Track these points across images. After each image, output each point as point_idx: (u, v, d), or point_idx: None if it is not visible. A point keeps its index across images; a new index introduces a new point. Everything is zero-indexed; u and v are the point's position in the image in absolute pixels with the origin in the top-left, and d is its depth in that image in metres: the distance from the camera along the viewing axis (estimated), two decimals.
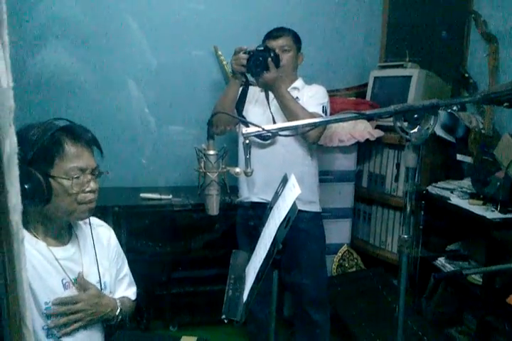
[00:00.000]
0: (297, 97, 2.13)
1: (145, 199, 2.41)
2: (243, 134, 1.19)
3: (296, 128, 1.98)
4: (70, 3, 2.49)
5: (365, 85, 2.78)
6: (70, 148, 1.17)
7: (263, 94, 2.13)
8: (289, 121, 2.04)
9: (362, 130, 2.47)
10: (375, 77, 2.71)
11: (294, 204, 1.01)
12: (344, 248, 2.66)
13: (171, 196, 2.43)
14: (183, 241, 2.50)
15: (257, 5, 2.73)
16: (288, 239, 2.06)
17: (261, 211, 2.08)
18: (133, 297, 1.45)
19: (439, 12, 2.85)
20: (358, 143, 2.56)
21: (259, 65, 1.97)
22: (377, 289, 2.47)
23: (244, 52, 1.99)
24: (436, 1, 2.88)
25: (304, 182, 2.10)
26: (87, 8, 2.51)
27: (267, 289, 2.29)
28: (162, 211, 2.40)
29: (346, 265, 2.64)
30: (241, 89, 2.07)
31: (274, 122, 2.05)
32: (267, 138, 2.08)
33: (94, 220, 1.36)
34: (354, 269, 2.65)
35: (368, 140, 2.51)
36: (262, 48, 2.02)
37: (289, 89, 2.14)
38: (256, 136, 2.07)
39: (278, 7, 2.75)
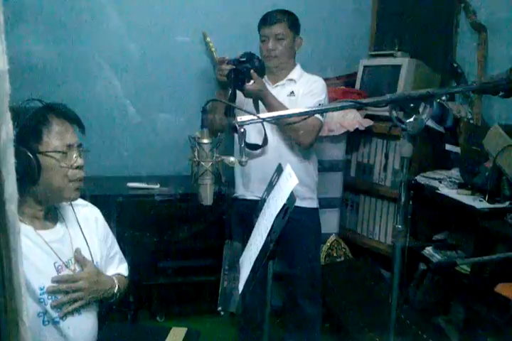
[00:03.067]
0: (292, 92, 2.09)
1: (132, 189, 2.37)
2: (237, 122, 1.16)
3: (289, 133, 1.99)
4: None
5: (355, 74, 2.76)
6: (56, 124, 1.17)
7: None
8: (280, 128, 2.02)
9: (351, 119, 2.46)
10: (364, 66, 2.70)
11: (292, 195, 0.99)
12: (332, 237, 2.66)
13: (158, 185, 2.40)
14: (171, 231, 2.48)
15: None
16: (283, 231, 2.08)
17: (255, 208, 2.09)
18: (125, 273, 1.46)
19: (429, 1, 2.83)
20: (347, 132, 2.54)
21: (241, 78, 1.92)
22: (365, 278, 2.48)
23: (228, 63, 1.95)
24: None
25: (301, 180, 2.09)
26: None
27: (261, 279, 2.31)
28: (149, 200, 2.36)
29: (334, 254, 2.65)
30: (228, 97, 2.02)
31: (265, 130, 2.02)
32: (256, 148, 2.05)
33: (78, 201, 1.34)
34: (342, 259, 2.66)
35: (357, 129, 2.50)
36: (244, 59, 1.97)
37: (284, 82, 2.10)
38: (245, 145, 2.06)
39: None
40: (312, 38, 2.78)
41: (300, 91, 2.09)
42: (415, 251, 2.33)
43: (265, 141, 2.05)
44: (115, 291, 1.30)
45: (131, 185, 2.38)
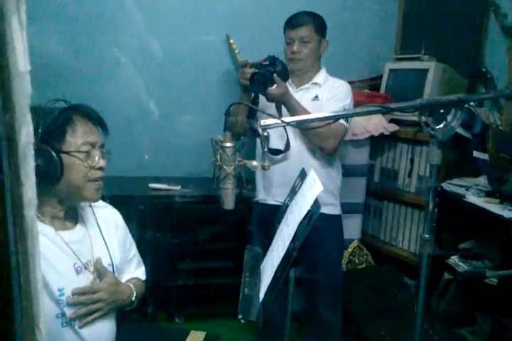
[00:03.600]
0: (316, 96, 2.05)
1: (154, 190, 2.37)
2: (260, 126, 1.14)
3: (312, 138, 1.96)
4: None
5: (379, 78, 2.71)
6: (80, 124, 1.17)
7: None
8: (303, 133, 1.99)
9: (376, 124, 2.42)
10: (390, 70, 2.65)
11: (317, 201, 0.97)
12: (354, 243, 2.62)
13: (179, 187, 2.39)
14: (191, 232, 2.47)
15: None
16: (306, 239, 2.05)
17: (276, 213, 2.07)
18: (143, 277, 1.45)
19: (458, 3, 2.77)
20: (371, 137, 2.50)
21: (263, 82, 1.88)
22: (387, 286, 2.43)
23: (251, 66, 1.93)
24: None
25: (323, 185, 2.06)
26: None
27: (282, 285, 2.28)
28: (170, 202, 2.36)
29: (356, 261, 2.60)
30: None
31: (287, 135, 2.00)
32: (278, 153, 2.03)
33: (99, 202, 1.33)
34: (364, 265, 2.61)
35: (381, 134, 2.45)
36: (267, 62, 1.94)
37: (308, 85, 2.07)
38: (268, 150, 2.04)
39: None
40: (337, 41, 2.75)
41: (324, 95, 2.05)
42: (440, 260, 2.27)
43: (287, 146, 2.02)
44: (133, 299, 1.30)
45: (152, 186, 2.38)
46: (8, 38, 0.43)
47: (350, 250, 2.59)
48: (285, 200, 1.27)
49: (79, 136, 1.16)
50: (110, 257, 1.27)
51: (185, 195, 2.36)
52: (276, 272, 0.98)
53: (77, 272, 1.19)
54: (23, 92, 0.47)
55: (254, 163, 1.15)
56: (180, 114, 2.64)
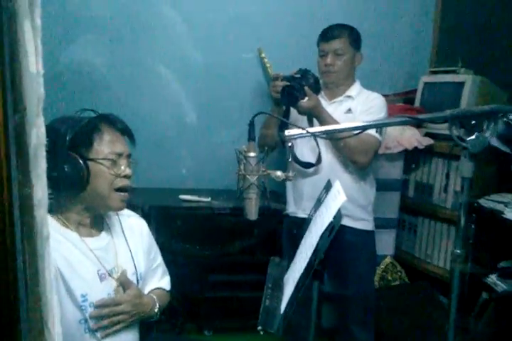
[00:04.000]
0: (349, 109, 2.03)
1: (184, 201, 2.39)
2: (285, 136, 1.13)
3: (344, 152, 1.94)
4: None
5: (414, 91, 2.66)
6: (107, 133, 1.20)
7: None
8: (335, 146, 1.97)
9: (410, 137, 2.36)
10: (425, 83, 2.60)
11: (339, 212, 0.95)
12: (387, 260, 2.55)
13: (209, 198, 2.40)
14: (221, 244, 2.46)
15: (304, 6, 2.67)
16: (336, 252, 2.01)
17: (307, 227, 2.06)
18: (167, 287, 1.45)
19: (494, 15, 2.70)
20: (405, 150, 2.45)
21: (294, 95, 1.88)
22: (421, 305, 2.34)
23: (282, 79, 1.93)
24: (492, 2, 2.74)
25: (355, 200, 2.04)
26: (127, 1, 2.52)
27: (306, 299, 2.24)
28: (200, 213, 2.37)
29: (389, 278, 2.53)
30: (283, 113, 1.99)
31: (319, 148, 1.99)
32: (309, 166, 2.01)
33: (125, 211, 1.36)
34: (397, 282, 2.53)
35: (415, 148, 2.40)
36: (298, 75, 1.94)
37: (341, 98, 2.05)
38: (298, 163, 2.03)
39: (325, 8, 2.68)
40: (371, 54, 2.73)
41: (358, 108, 2.03)
42: (477, 279, 2.18)
43: (319, 159, 2.00)
44: (156, 311, 1.30)
45: (183, 197, 2.40)
46: (20, 41, 0.45)
47: (383, 266, 2.52)
48: (310, 212, 1.25)
49: (106, 145, 1.18)
50: (134, 265, 1.28)
51: (215, 206, 2.36)
52: (297, 284, 0.96)
53: (101, 279, 1.20)
54: (35, 95, 0.48)
55: (278, 173, 1.14)
56: (212, 126, 2.67)
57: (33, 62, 0.46)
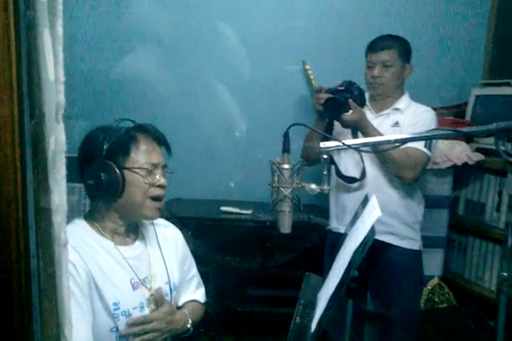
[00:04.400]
0: (397, 123, 1.98)
1: (225, 213, 2.39)
2: (321, 149, 1.11)
3: (390, 166, 1.89)
4: (160, 9, 2.57)
5: (465, 104, 2.56)
6: (144, 143, 1.22)
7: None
8: (380, 161, 1.92)
9: (459, 152, 2.27)
10: (476, 96, 2.49)
11: (373, 228, 0.91)
12: (435, 281, 2.43)
13: (251, 211, 2.39)
14: (261, 258, 2.44)
15: (351, 19, 2.65)
16: (380, 272, 1.94)
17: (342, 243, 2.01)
18: (202, 299, 1.44)
19: None
20: (454, 166, 2.35)
21: (338, 108, 1.86)
22: (470, 329, 2.21)
23: (326, 92, 1.91)
24: None
25: (401, 217, 1.98)
26: (180, 14, 2.57)
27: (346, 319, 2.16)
28: (241, 226, 2.36)
29: (436, 300, 2.41)
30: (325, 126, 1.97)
31: (363, 162, 1.94)
32: (353, 181, 1.97)
33: (161, 221, 1.37)
34: (445, 305, 2.41)
35: (466, 164, 2.29)
36: (342, 88, 1.91)
37: (389, 111, 2.00)
38: (341, 178, 1.99)
39: (372, 20, 2.64)
40: (420, 65, 2.66)
41: (406, 121, 1.97)
42: None
43: (363, 174, 1.95)
44: (188, 326, 1.29)
45: (224, 209, 2.40)
46: (39, 49, 0.46)
47: (429, 287, 2.40)
48: (347, 227, 1.22)
49: (142, 154, 1.20)
50: (168, 275, 1.28)
51: (256, 219, 2.35)
52: (328, 302, 0.93)
53: (134, 287, 1.21)
54: (53, 101, 0.49)
55: (313, 186, 1.12)
56: (255, 138, 2.67)
57: (51, 70, 0.47)
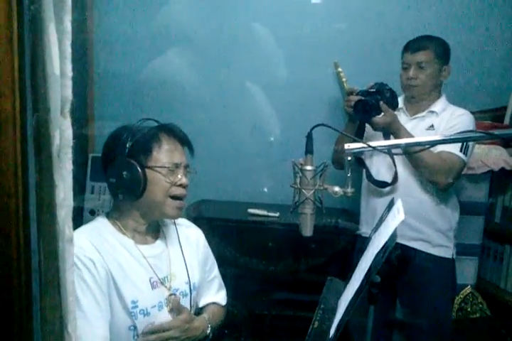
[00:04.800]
0: (432, 126, 1.92)
1: (252, 215, 2.38)
2: (345, 150, 1.08)
3: (423, 171, 1.84)
4: (194, 10, 2.58)
5: (504, 108, 2.47)
6: (166, 142, 1.22)
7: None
8: (412, 165, 1.87)
9: (496, 157, 2.18)
10: None
11: (395, 232, 0.88)
12: (467, 289, 2.35)
13: (278, 214, 2.37)
14: (288, 262, 2.41)
15: (388, 19, 2.59)
16: (411, 279, 1.88)
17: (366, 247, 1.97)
18: (223, 302, 1.43)
19: None
20: (491, 172, 2.26)
21: (368, 110, 1.81)
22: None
23: (357, 94, 1.87)
24: None
25: (434, 224, 1.93)
26: (215, 17, 2.59)
27: (375, 326, 2.12)
28: (268, 228, 2.34)
29: (469, 309, 2.33)
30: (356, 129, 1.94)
31: (395, 166, 1.89)
32: (384, 185, 1.92)
33: (183, 221, 1.38)
34: (478, 315, 2.32)
35: (503, 169, 2.21)
36: (373, 90, 1.87)
37: (424, 114, 1.95)
38: (372, 182, 1.95)
39: (409, 21, 2.57)
40: (456, 67, 2.59)
41: (442, 125, 1.91)
42: None
43: (395, 178, 1.91)
44: (208, 332, 1.29)
45: (251, 211, 2.39)
46: (44, 44, 0.46)
47: (461, 296, 2.32)
48: (371, 232, 1.18)
49: (164, 154, 1.21)
50: (188, 275, 1.28)
51: (283, 222, 2.33)
52: (347, 307, 0.90)
53: (153, 286, 1.21)
54: (59, 96, 0.48)
55: (336, 188, 1.09)
56: (285, 141, 2.65)
57: (57, 64, 0.46)
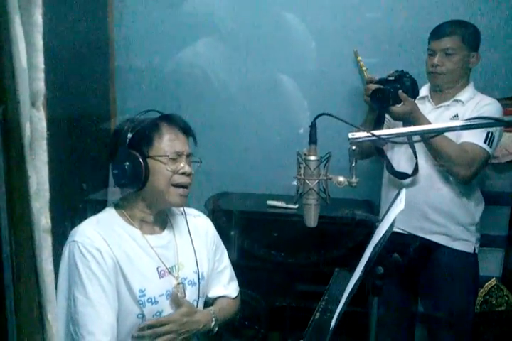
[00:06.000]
0: (456, 115, 1.84)
1: (271, 207, 2.38)
2: (349, 139, 1.06)
3: (444, 163, 1.78)
4: (223, 2, 2.56)
5: None
6: (167, 132, 1.23)
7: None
8: (433, 156, 1.82)
9: None
10: None
11: (393, 222, 0.86)
12: (492, 282, 2.29)
13: (297, 205, 2.36)
14: (308, 253, 2.41)
15: (413, 6, 2.52)
16: (431, 273, 1.85)
17: (397, 242, 1.92)
18: (234, 294, 1.42)
19: None
20: None
21: (386, 99, 1.76)
22: None
23: (376, 82, 1.82)
24: None
25: (455, 217, 1.87)
26: (244, 9, 2.56)
27: (396, 320, 2.09)
28: (287, 220, 2.34)
29: (493, 302, 2.27)
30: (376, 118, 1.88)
31: (416, 158, 1.84)
32: (405, 177, 1.88)
33: (191, 211, 1.39)
34: (503, 308, 2.26)
35: None
36: (392, 78, 1.82)
37: (449, 103, 1.88)
38: (392, 173, 1.91)
39: (437, 7, 2.49)
40: (483, 52, 2.50)
41: (466, 114, 1.83)
42: None
43: (415, 170, 1.86)
44: (212, 326, 1.28)
45: (270, 203, 2.39)
46: (11, 36, 0.46)
47: (486, 289, 2.26)
48: (378, 223, 1.16)
49: (165, 143, 1.21)
50: (197, 264, 1.29)
51: (302, 214, 2.31)
52: (347, 298, 0.89)
53: (160, 275, 1.23)
54: (27, 88, 0.49)
55: (341, 178, 1.08)
56: (306, 132, 2.63)
57: (24, 57, 0.47)
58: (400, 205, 0.91)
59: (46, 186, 0.54)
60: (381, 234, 0.88)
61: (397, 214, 0.87)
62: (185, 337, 1.23)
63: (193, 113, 2.76)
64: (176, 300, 1.23)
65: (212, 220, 1.47)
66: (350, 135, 1.08)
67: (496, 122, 0.93)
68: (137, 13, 2.65)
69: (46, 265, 0.55)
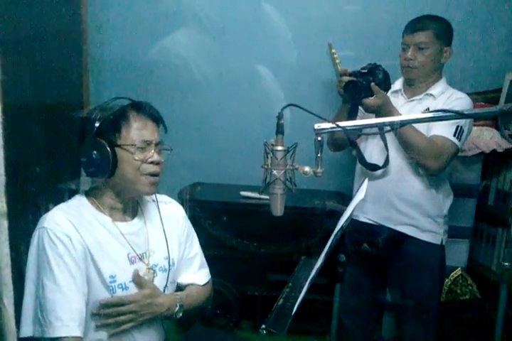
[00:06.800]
0: (427, 109, 1.86)
1: (244, 198, 2.40)
2: (314, 130, 1.08)
3: (413, 155, 1.81)
4: None
5: (499, 90, 2.43)
6: (135, 120, 1.22)
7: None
8: (403, 148, 1.85)
9: (488, 139, 2.16)
10: (511, 81, 2.36)
11: (353, 210, 0.88)
12: (457, 272, 2.36)
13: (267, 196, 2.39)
14: (279, 243, 2.44)
15: (383, 1, 2.55)
16: (398, 263, 1.89)
17: (367, 232, 1.96)
18: (203, 281, 1.42)
19: None
20: (484, 154, 2.25)
21: (359, 91, 1.78)
22: (492, 323, 2.13)
23: (349, 75, 1.84)
24: None
25: (424, 209, 1.91)
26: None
27: (364, 308, 2.14)
28: (260, 211, 2.36)
29: (458, 291, 2.34)
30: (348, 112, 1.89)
31: (387, 150, 1.87)
32: (375, 168, 1.91)
33: (163, 197, 1.39)
34: (467, 297, 2.33)
35: (494, 151, 2.19)
36: (365, 70, 1.83)
37: (421, 96, 1.91)
38: (363, 164, 1.95)
39: (408, 2, 2.53)
40: (457, 48, 2.55)
41: (437, 108, 1.87)
42: None
43: (386, 161, 1.89)
44: (175, 311, 1.27)
45: (244, 193, 2.40)
46: None
47: (451, 279, 2.33)
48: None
49: (133, 132, 1.21)
50: (168, 251, 1.30)
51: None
52: (308, 284, 0.92)
53: (131, 262, 1.24)
54: None
55: (307, 168, 1.10)
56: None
57: None
58: (360, 194, 0.94)
59: (1, 170, 0.54)
60: (342, 223, 0.90)
61: (356, 203, 0.90)
62: (146, 318, 1.23)
63: (167, 102, 2.75)
64: (139, 282, 1.23)
65: (186, 210, 1.47)
66: (316, 126, 1.10)
67: (463, 115, 0.96)
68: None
69: (3, 248, 0.55)
